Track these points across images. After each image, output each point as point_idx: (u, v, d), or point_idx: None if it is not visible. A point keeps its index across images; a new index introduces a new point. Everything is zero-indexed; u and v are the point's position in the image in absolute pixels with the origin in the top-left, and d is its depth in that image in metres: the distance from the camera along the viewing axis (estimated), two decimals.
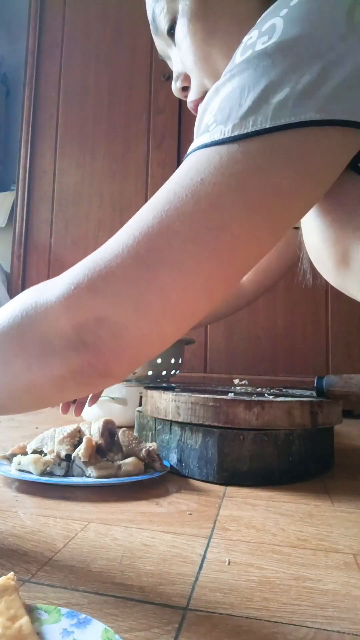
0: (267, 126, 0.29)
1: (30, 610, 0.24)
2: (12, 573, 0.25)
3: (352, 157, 0.34)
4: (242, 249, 0.31)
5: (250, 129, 0.29)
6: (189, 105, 0.52)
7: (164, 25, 0.51)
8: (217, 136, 0.31)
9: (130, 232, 0.30)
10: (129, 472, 0.55)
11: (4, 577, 0.25)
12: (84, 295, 0.30)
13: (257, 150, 0.30)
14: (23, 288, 1.59)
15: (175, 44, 0.51)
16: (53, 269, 1.56)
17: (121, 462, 0.56)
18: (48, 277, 1.62)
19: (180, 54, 0.50)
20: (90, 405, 0.70)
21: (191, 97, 0.51)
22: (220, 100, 0.32)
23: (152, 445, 0.59)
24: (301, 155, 0.30)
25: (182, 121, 1.56)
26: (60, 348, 0.31)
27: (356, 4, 0.30)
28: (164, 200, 0.31)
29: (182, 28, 0.49)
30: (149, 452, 0.58)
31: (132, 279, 0.30)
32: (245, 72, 0.31)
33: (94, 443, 0.57)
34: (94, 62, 1.64)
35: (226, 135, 0.30)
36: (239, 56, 0.33)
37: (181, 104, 1.56)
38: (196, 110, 0.52)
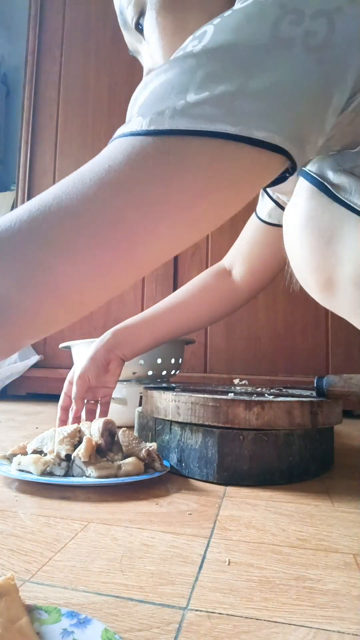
0: (183, 128, 0.29)
1: (30, 610, 0.24)
2: (12, 573, 0.25)
3: (273, 179, 0.33)
4: (139, 243, 0.30)
5: (166, 126, 0.29)
6: None
7: (131, 18, 0.50)
8: (135, 127, 0.30)
9: (27, 208, 0.29)
10: (129, 472, 0.55)
11: (4, 578, 0.25)
12: None
13: (169, 148, 0.29)
14: None
15: (144, 38, 0.50)
16: None
17: (121, 462, 0.56)
18: None
19: (149, 49, 0.49)
20: (101, 416, 0.71)
21: None
22: (147, 93, 0.32)
23: (152, 445, 0.59)
24: (212, 165, 0.30)
25: None
26: None
27: (283, 17, 0.30)
28: (69, 182, 0.30)
29: (151, 21, 0.48)
30: (149, 452, 0.58)
31: (20, 254, 0.28)
32: (171, 70, 0.31)
33: (94, 443, 0.57)
34: (94, 62, 1.64)
35: (143, 128, 0.30)
36: (173, 56, 0.33)
37: None
38: None
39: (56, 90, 1.66)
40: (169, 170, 0.29)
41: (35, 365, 1.50)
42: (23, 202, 1.61)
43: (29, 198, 1.61)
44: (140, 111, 0.31)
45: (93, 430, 0.60)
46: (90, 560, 0.36)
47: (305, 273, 0.40)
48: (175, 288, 1.50)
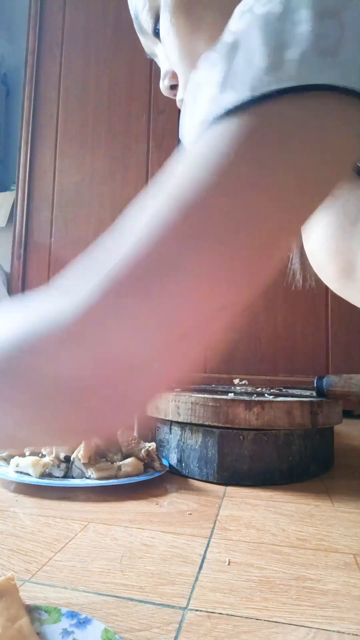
0: (298, 84, 0.24)
1: (30, 611, 0.24)
2: (12, 573, 0.25)
3: None
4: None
5: (285, 84, 0.24)
6: (179, 104, 0.49)
7: (148, 22, 0.48)
8: (233, 101, 0.25)
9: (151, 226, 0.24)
10: (129, 473, 0.55)
11: (4, 578, 0.25)
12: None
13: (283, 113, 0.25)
14: (23, 288, 1.59)
15: (160, 41, 0.49)
16: (53, 269, 1.56)
17: (121, 462, 0.56)
18: (48, 278, 1.62)
19: (165, 51, 0.48)
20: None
21: (180, 95, 0.49)
22: (223, 71, 0.27)
23: (151, 445, 0.59)
24: (333, 123, 0.25)
25: None
26: None
27: None
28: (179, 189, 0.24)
29: (165, 23, 0.46)
30: (148, 452, 0.58)
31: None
32: (251, 31, 0.27)
33: (93, 444, 0.57)
34: (94, 62, 1.64)
35: (247, 99, 0.25)
36: (234, 24, 0.29)
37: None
38: None
39: (56, 90, 1.66)
40: (287, 139, 0.25)
41: None
42: (23, 202, 1.62)
43: (29, 198, 1.62)
44: (228, 86, 0.26)
45: None
46: (90, 560, 0.36)
47: (323, 256, 0.38)
48: None
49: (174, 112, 1.54)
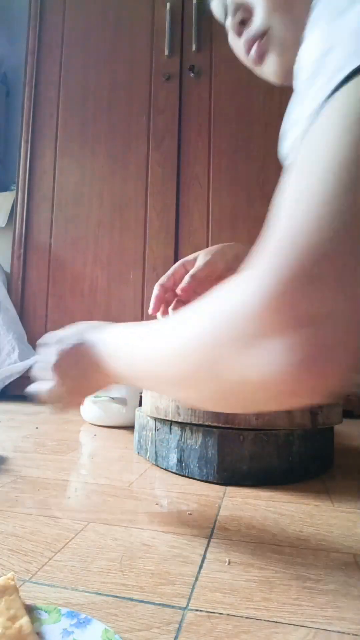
0: None
1: (30, 611, 0.24)
2: (12, 573, 0.25)
3: None
4: None
5: None
6: (242, 45, 0.46)
7: None
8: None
9: (316, 201, 0.23)
10: None
11: (4, 578, 0.25)
12: (297, 288, 0.23)
13: None
14: (23, 288, 1.59)
15: None
16: (53, 270, 1.56)
17: None
18: (48, 278, 1.62)
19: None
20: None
21: (249, 33, 0.45)
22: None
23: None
24: None
25: (182, 121, 1.56)
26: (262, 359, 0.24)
27: None
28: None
29: None
30: None
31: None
32: None
33: None
34: (94, 62, 1.64)
35: None
36: None
37: (181, 104, 1.56)
38: (249, 50, 0.46)
39: (56, 90, 1.66)
40: None
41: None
42: (23, 202, 1.62)
43: (29, 198, 1.62)
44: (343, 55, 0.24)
45: None
46: (90, 560, 0.36)
47: None
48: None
49: (174, 113, 1.55)
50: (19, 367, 1.46)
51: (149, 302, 1.43)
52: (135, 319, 1.49)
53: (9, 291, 1.59)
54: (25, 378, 1.49)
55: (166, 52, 1.55)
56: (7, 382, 1.48)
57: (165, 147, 1.55)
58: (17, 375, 1.47)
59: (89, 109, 1.63)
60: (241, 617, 0.29)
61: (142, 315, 1.50)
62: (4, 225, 1.72)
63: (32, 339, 1.55)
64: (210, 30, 1.54)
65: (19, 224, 1.62)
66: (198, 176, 1.54)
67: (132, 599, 0.31)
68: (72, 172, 1.61)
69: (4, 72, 2.41)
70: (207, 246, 1.49)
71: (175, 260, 1.50)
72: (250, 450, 0.57)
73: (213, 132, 1.52)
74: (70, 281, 1.54)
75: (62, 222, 1.59)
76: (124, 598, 0.31)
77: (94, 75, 1.64)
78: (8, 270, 1.65)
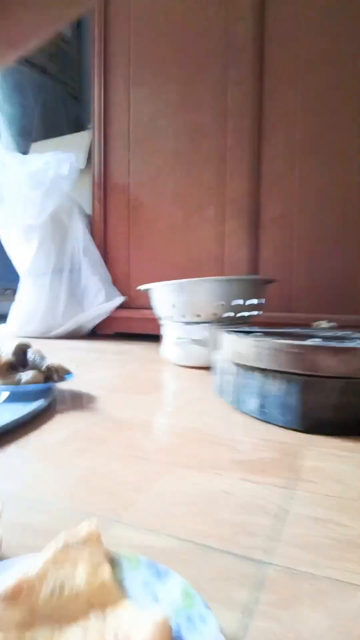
0: None
1: (112, 559, 0.25)
2: (95, 519, 0.27)
3: None
4: None
5: None
6: None
7: None
8: None
9: None
10: (28, 382, 0.66)
11: (87, 524, 0.26)
12: None
13: None
14: (105, 231, 1.61)
15: None
16: (132, 210, 1.56)
17: (22, 373, 0.67)
18: (128, 219, 1.62)
19: None
20: None
21: None
22: None
23: (57, 363, 0.71)
24: None
25: (266, 28, 1.38)
26: None
27: None
28: None
29: None
30: (49, 367, 0.70)
31: None
32: None
33: (3, 361, 0.68)
34: None
35: None
36: None
37: (265, 5, 1.36)
38: None
39: (127, 17, 1.54)
40: None
41: (121, 306, 1.55)
42: (100, 141, 1.59)
43: (105, 136, 1.59)
44: None
45: (7, 350, 0.71)
46: (170, 504, 0.37)
47: None
48: (257, 224, 1.42)
49: (257, 17, 1.36)
50: (106, 307, 1.52)
51: (230, 239, 1.37)
52: (215, 259, 1.45)
53: (92, 234, 1.63)
54: (112, 318, 1.56)
55: None
56: (96, 322, 1.57)
57: (245, 61, 1.39)
58: (105, 316, 1.55)
59: (161, 27, 1.50)
60: (323, 577, 0.28)
61: (222, 254, 1.45)
62: (83, 167, 1.73)
63: (116, 281, 1.59)
64: None
65: (97, 164, 1.61)
66: (284, 93, 1.37)
67: (211, 547, 0.31)
68: (146, 102, 1.53)
69: None
70: (292, 177, 1.36)
71: (257, 193, 1.41)
72: (336, 399, 0.54)
73: (302, 39, 1.33)
74: (149, 220, 1.53)
75: (138, 158, 1.55)
76: (203, 546, 0.31)
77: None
78: (89, 212, 1.68)
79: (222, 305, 0.95)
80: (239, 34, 1.38)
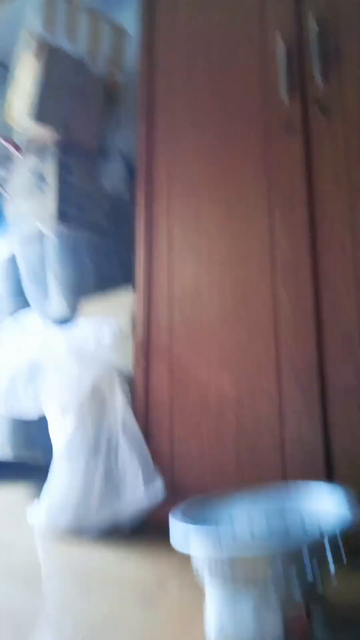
0: None
1: None
2: None
3: None
4: None
5: None
6: None
7: None
8: None
9: None
10: None
11: None
12: None
13: None
14: (147, 402, 1.42)
15: None
16: (176, 379, 1.36)
17: None
18: (171, 389, 1.42)
19: None
20: None
21: None
22: None
23: None
24: None
25: (312, 178, 1.24)
26: None
27: None
28: None
29: None
30: None
31: None
32: None
33: None
34: (205, 119, 1.47)
35: None
36: None
37: (310, 156, 1.24)
38: None
39: (169, 177, 1.54)
40: None
41: (165, 504, 1.28)
42: (144, 302, 1.49)
43: (149, 296, 1.48)
44: None
45: None
46: None
47: None
48: (324, 397, 1.13)
49: (297, 168, 1.23)
50: (143, 502, 1.26)
51: (288, 417, 1.07)
52: (273, 437, 1.16)
53: (133, 406, 1.44)
54: (159, 515, 1.28)
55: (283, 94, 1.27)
56: (135, 520, 1.30)
57: (294, 215, 1.24)
58: (144, 513, 1.28)
59: (200, 181, 1.44)
60: None
61: (280, 433, 1.16)
62: (128, 330, 1.62)
63: (158, 459, 1.35)
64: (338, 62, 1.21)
65: (140, 328, 1.49)
66: (340, 241, 1.18)
67: None
68: (187, 260, 1.42)
69: (128, 161, 2.46)
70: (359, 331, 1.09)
71: (320, 356, 1.14)
72: None
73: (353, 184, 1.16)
74: (195, 391, 1.31)
75: (180, 320, 1.39)
76: None
77: (205, 138, 1.46)
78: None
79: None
80: (282, 187, 1.26)
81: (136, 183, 1.65)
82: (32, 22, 2.25)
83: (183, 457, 1.29)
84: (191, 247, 1.41)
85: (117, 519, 1.30)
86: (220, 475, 1.20)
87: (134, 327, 1.52)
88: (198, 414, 1.28)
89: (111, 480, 1.35)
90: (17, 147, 2.16)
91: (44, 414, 1.42)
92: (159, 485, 1.29)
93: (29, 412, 1.39)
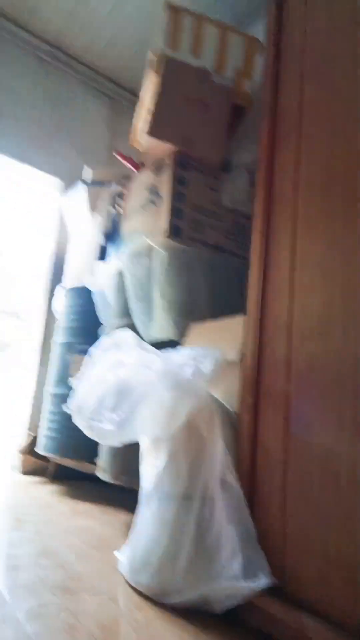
0: None
1: None
2: None
3: None
4: None
5: None
6: None
7: None
8: None
9: None
10: None
11: None
12: None
13: None
14: (254, 456, 1.16)
15: None
16: (294, 434, 1.08)
17: None
18: (287, 440, 1.15)
19: None
20: None
21: None
22: None
23: None
24: None
25: None
26: None
27: None
28: None
29: None
30: None
31: None
32: None
33: None
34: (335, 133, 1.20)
35: None
36: None
37: None
38: None
39: (295, 184, 1.29)
40: None
41: (269, 592, 1.00)
42: (254, 330, 1.25)
43: (261, 324, 1.24)
44: None
45: None
46: None
47: None
48: None
49: None
50: (244, 589, 0.99)
51: None
52: None
53: (236, 453, 1.19)
54: (254, 606, 1.01)
55: None
56: (227, 604, 1.04)
57: None
58: (242, 600, 1.01)
59: (333, 190, 1.16)
60: None
61: None
62: (237, 360, 1.39)
63: (265, 539, 1.07)
64: None
65: (249, 360, 1.25)
66: None
67: None
68: (315, 285, 1.14)
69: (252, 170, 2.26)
70: None
71: None
72: None
73: None
74: (319, 458, 1.01)
75: (303, 358, 1.11)
76: None
77: (334, 157, 1.18)
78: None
79: None
80: None
81: (255, 192, 1.43)
82: (157, 42, 2.20)
83: (298, 540, 0.99)
84: (321, 269, 1.13)
85: (207, 594, 1.05)
86: (350, 582, 0.88)
87: (241, 359, 1.29)
88: (322, 490, 0.98)
89: (203, 544, 1.11)
90: (135, 165, 2.12)
91: (129, 441, 1.25)
92: (262, 567, 1.01)
93: (113, 438, 1.23)
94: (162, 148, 1.92)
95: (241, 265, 2.07)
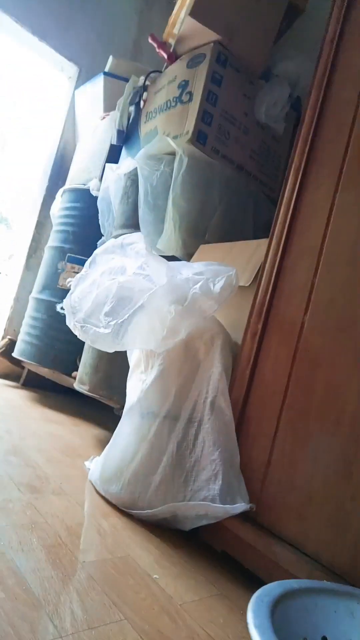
0: None
1: None
2: None
3: None
4: None
5: None
6: None
7: None
8: None
9: None
10: None
11: None
12: None
13: None
14: (250, 381, 1.08)
15: None
16: (298, 366, 0.99)
17: None
18: (288, 377, 1.06)
19: None
20: None
21: None
22: None
23: None
24: None
25: None
26: None
27: None
28: None
29: None
30: None
31: None
32: None
33: None
34: None
35: None
36: None
37: None
38: None
39: (350, 113, 1.11)
40: None
41: (242, 515, 0.95)
42: (275, 255, 1.13)
43: (284, 250, 1.12)
44: None
45: None
46: None
47: None
48: None
49: None
50: (217, 510, 0.95)
51: None
52: None
53: (232, 381, 1.12)
54: (223, 528, 0.97)
55: None
56: (197, 524, 1.00)
57: None
58: (213, 520, 0.97)
59: None
60: None
61: None
62: (247, 285, 1.28)
63: (247, 466, 1.01)
64: None
65: (264, 286, 1.13)
66: None
67: None
68: (354, 217, 1.00)
69: (297, 95, 2.03)
70: None
71: None
72: None
73: None
74: (324, 394, 0.93)
75: (326, 292, 1.00)
76: None
77: None
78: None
79: None
80: None
81: (303, 111, 1.24)
82: None
83: (282, 474, 0.94)
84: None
85: (178, 510, 1.01)
86: (333, 527, 0.83)
87: (256, 281, 1.17)
88: (318, 427, 0.91)
89: (181, 464, 1.06)
90: (169, 55, 1.85)
91: (121, 349, 1.16)
92: (242, 493, 0.97)
93: (106, 343, 1.13)
94: (200, 37, 1.66)
95: (259, 192, 1.90)
